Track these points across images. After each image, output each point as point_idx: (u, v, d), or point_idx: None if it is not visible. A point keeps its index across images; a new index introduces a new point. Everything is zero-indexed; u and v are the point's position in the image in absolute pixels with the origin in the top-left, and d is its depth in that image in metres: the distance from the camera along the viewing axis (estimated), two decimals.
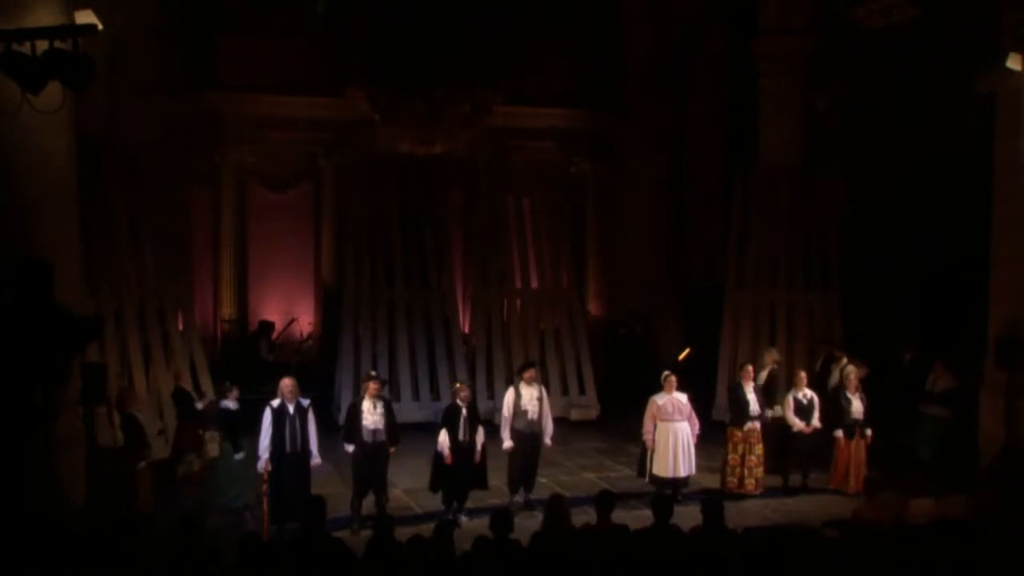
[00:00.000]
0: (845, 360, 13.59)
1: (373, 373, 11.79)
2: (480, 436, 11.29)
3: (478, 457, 11.27)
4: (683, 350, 16.63)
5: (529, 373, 11.76)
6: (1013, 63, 11.55)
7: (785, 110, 16.90)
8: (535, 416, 11.50)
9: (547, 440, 11.75)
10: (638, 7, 19.00)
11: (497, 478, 11.83)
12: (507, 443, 11.51)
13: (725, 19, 18.91)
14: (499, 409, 12.07)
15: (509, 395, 11.68)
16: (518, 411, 11.51)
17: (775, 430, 12.66)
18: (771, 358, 13.48)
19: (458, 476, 11.14)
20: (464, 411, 11.17)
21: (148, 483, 11.08)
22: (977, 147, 13.29)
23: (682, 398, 12.01)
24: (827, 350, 14.57)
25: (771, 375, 13.32)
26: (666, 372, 12.60)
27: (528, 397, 11.55)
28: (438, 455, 11.17)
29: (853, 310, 15.73)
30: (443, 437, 11.12)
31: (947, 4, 14.85)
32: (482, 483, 11.49)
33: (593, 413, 16.35)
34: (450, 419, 11.19)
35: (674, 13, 18.69)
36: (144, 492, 10.94)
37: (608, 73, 19.47)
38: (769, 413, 12.63)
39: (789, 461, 12.55)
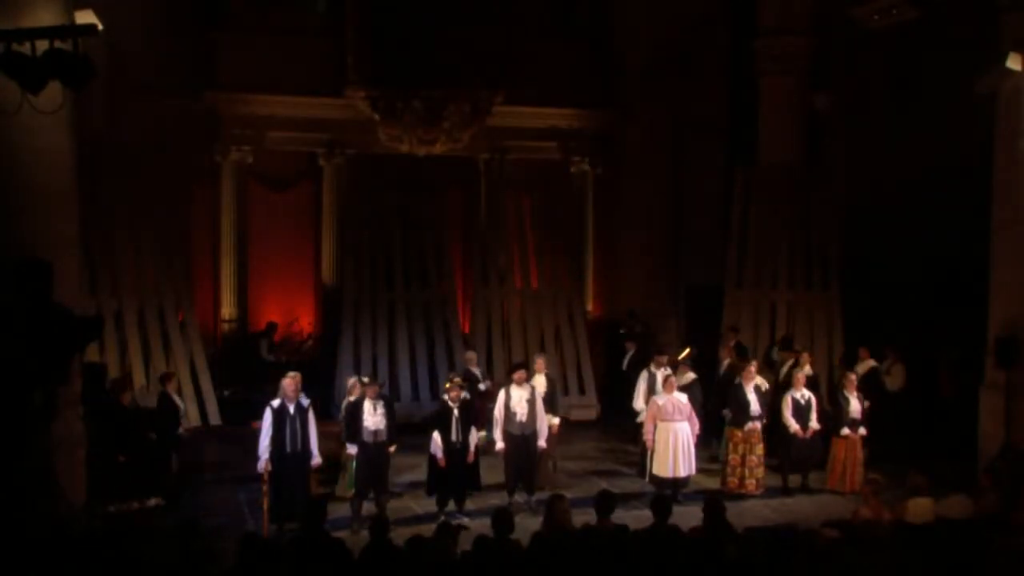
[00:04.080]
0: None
1: (365, 380, 11.71)
2: (473, 436, 11.27)
3: (471, 457, 11.26)
4: (683, 350, 16.62)
5: (519, 374, 11.67)
6: (1013, 63, 11.57)
7: (785, 110, 16.91)
8: (524, 418, 11.42)
9: (541, 442, 11.66)
10: (638, 7, 18.99)
11: (494, 478, 11.83)
12: (499, 444, 11.48)
13: (725, 19, 18.90)
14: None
15: (501, 397, 11.64)
16: (508, 413, 11.45)
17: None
18: (541, 365, 12.69)
19: (452, 477, 11.13)
20: (456, 411, 11.16)
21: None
22: (977, 147, 13.28)
23: (682, 398, 12.01)
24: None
25: (549, 380, 12.61)
26: (667, 372, 12.62)
27: (517, 399, 11.46)
28: (432, 457, 11.16)
29: (853, 309, 15.73)
30: (436, 439, 11.11)
31: (947, 4, 14.85)
32: (475, 483, 11.48)
33: (593, 413, 16.36)
34: (442, 420, 11.17)
35: (674, 13, 18.69)
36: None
37: (608, 73, 19.48)
38: (556, 420, 12.29)
39: (788, 462, 12.56)
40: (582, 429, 15.71)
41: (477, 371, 14.40)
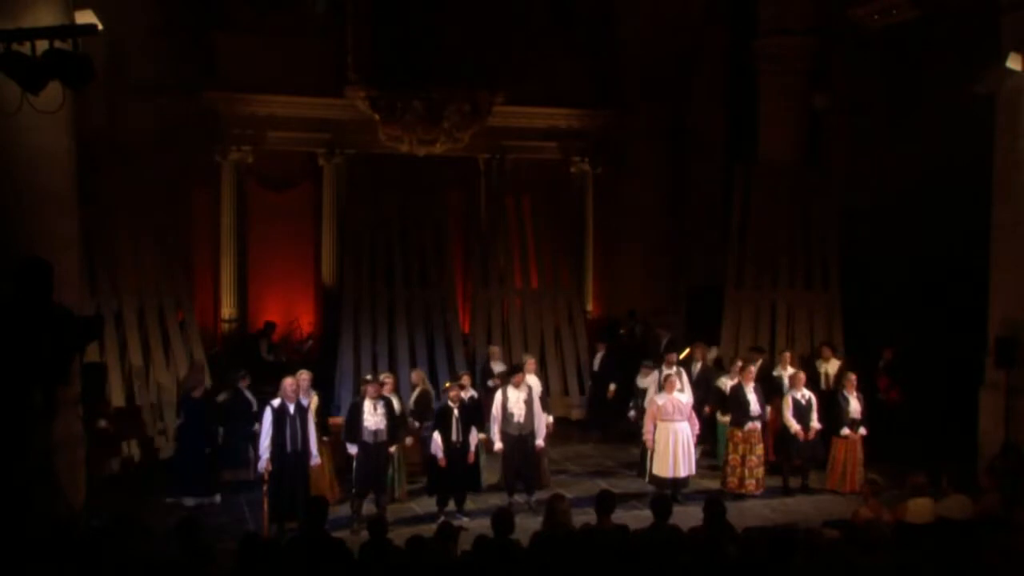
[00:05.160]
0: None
1: (368, 378, 11.74)
2: (473, 436, 11.28)
3: (471, 458, 11.27)
4: (683, 350, 16.62)
5: (519, 377, 11.73)
6: (1013, 63, 11.58)
7: (785, 110, 16.91)
8: (521, 419, 11.48)
9: (539, 441, 11.70)
10: (638, 7, 18.99)
11: (494, 478, 11.84)
12: (497, 444, 11.52)
13: (725, 19, 18.90)
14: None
15: (498, 398, 11.69)
16: (505, 414, 11.50)
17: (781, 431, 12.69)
18: (532, 365, 12.86)
19: (452, 477, 11.14)
20: (456, 412, 11.17)
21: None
22: (977, 147, 13.27)
23: (682, 398, 12.01)
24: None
25: (540, 381, 12.89)
26: (667, 372, 12.62)
27: (515, 399, 11.53)
28: (432, 457, 11.17)
29: (854, 310, 15.72)
30: (436, 439, 11.12)
31: (947, 4, 14.84)
32: (475, 484, 11.47)
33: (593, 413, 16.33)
34: (442, 420, 11.18)
35: (674, 13, 18.67)
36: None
37: (608, 73, 19.46)
38: (550, 419, 12.30)
39: (788, 462, 12.55)
40: (582, 429, 15.71)
41: (498, 367, 14.38)
